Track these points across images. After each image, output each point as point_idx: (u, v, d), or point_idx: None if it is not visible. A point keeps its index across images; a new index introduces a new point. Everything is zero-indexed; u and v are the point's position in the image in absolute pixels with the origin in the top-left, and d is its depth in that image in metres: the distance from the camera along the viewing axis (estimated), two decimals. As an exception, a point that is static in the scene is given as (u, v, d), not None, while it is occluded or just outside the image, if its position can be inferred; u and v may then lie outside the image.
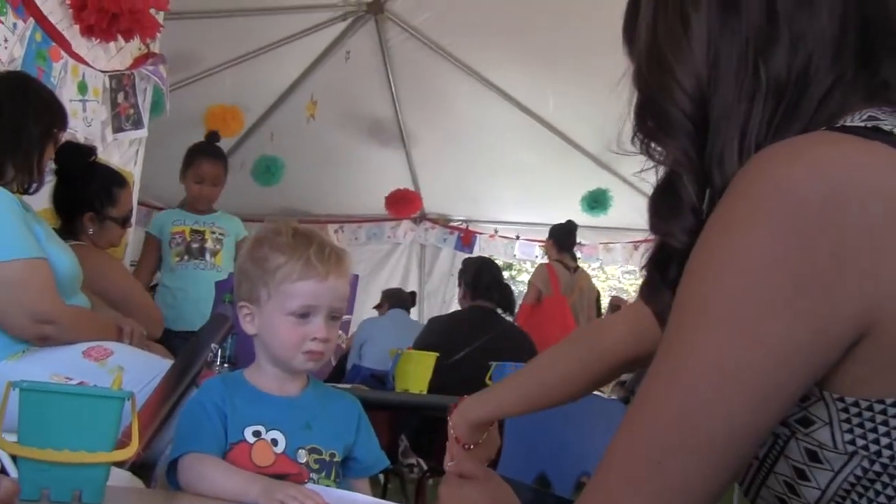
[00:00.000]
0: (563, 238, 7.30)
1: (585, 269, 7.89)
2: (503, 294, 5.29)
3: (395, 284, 9.10)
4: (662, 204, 1.06)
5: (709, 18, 1.01)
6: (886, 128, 0.90)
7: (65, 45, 4.01)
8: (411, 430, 4.98)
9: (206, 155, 4.84)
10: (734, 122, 0.99)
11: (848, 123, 0.93)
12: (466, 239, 9.90)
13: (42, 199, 3.14)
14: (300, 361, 1.85)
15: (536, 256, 9.52)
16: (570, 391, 1.74)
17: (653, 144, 1.08)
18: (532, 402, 1.78)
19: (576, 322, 6.93)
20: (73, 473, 1.41)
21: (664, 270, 1.05)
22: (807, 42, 0.97)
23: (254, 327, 1.89)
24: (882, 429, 0.87)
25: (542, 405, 1.80)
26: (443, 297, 9.87)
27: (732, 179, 0.91)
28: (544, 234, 7.62)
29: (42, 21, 3.84)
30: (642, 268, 1.11)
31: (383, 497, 4.22)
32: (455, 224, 10.08)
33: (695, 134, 1.02)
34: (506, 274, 17.12)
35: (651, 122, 1.07)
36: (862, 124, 0.92)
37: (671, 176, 1.05)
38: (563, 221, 7.43)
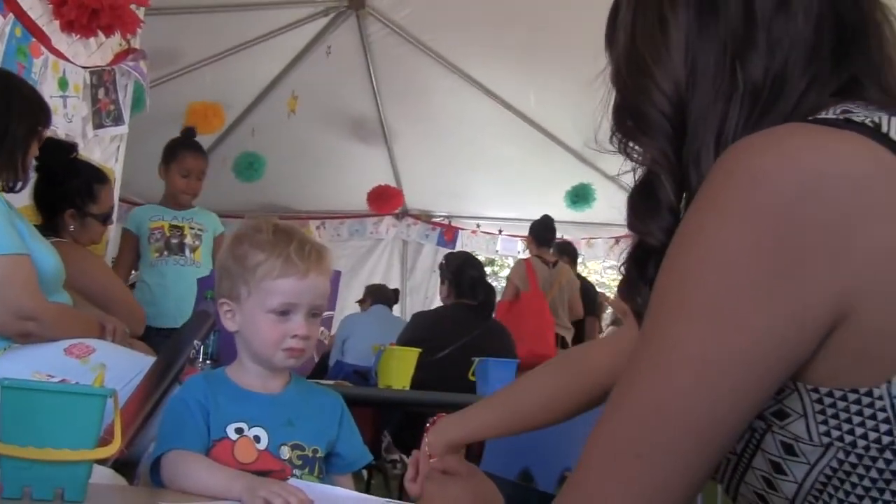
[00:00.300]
0: (540, 233, 7.32)
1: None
2: (486, 293, 5.29)
3: (377, 280, 9.08)
4: (640, 203, 1.07)
5: (687, 23, 1.03)
6: (858, 119, 0.91)
7: (45, 40, 3.99)
8: (394, 426, 4.98)
9: (190, 149, 4.85)
10: (711, 124, 1.00)
11: (821, 116, 0.95)
12: (449, 234, 9.90)
13: (23, 195, 3.12)
14: (280, 359, 1.85)
15: (519, 252, 9.53)
16: (551, 416, 1.73)
17: (631, 144, 1.09)
18: (512, 426, 1.76)
19: (555, 316, 6.93)
20: (55, 471, 1.40)
21: (642, 268, 1.06)
22: (783, 45, 0.99)
23: (234, 324, 1.89)
24: (856, 419, 0.88)
25: (523, 429, 1.78)
26: (425, 293, 9.88)
27: (709, 170, 0.92)
28: (526, 230, 7.63)
29: (22, 16, 3.82)
30: (620, 266, 1.12)
31: (367, 493, 4.22)
32: (437, 220, 10.08)
33: (673, 135, 1.03)
34: (488, 269, 17.12)
35: (630, 122, 1.09)
36: (834, 116, 0.93)
37: (649, 176, 1.06)
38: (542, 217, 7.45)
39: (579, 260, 8.55)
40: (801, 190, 0.85)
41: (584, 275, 8.43)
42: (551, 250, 7.42)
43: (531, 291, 6.80)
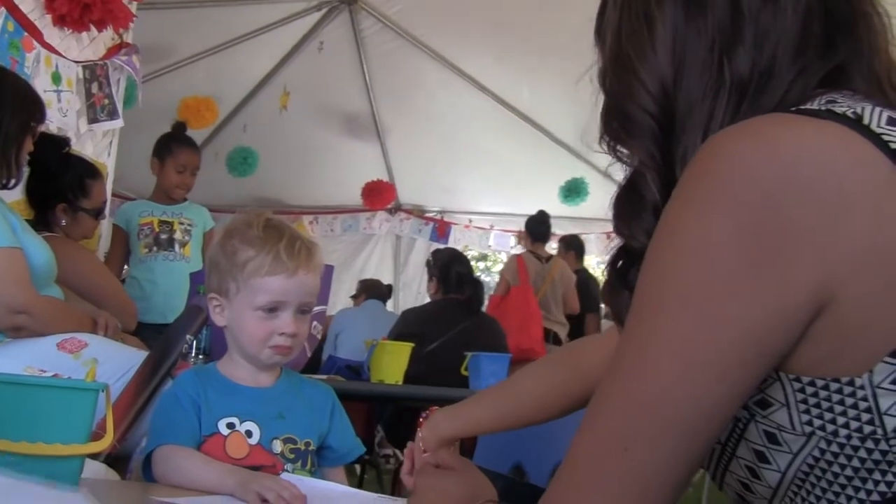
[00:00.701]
0: (535, 229, 7.34)
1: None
2: (474, 289, 5.31)
3: (370, 275, 9.08)
4: (626, 206, 1.08)
5: (674, 19, 1.03)
6: (839, 110, 0.92)
7: (37, 34, 3.98)
8: (387, 420, 4.98)
9: (185, 144, 4.85)
10: (697, 121, 1.01)
11: (804, 107, 0.95)
12: (441, 229, 9.90)
13: (15, 189, 3.11)
14: (267, 355, 1.85)
15: (511, 246, 9.54)
16: (548, 413, 1.72)
17: (619, 147, 1.10)
18: (508, 421, 1.75)
19: (547, 312, 6.94)
20: (47, 466, 1.40)
21: (624, 273, 1.07)
22: (771, 39, 1.00)
23: (223, 319, 1.89)
24: (838, 408, 0.88)
25: (518, 424, 1.78)
26: (418, 288, 9.86)
27: (689, 161, 0.92)
28: (518, 224, 7.63)
29: (13, 11, 3.81)
30: (605, 268, 1.12)
31: (359, 488, 4.23)
32: (430, 215, 10.08)
33: (660, 134, 1.03)
34: (481, 264, 17.10)
35: (616, 125, 1.09)
36: (817, 107, 0.94)
37: (635, 177, 1.07)
38: (534, 212, 7.45)
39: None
40: (779, 179, 0.85)
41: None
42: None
43: (520, 286, 6.82)
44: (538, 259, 7.15)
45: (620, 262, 1.09)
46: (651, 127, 1.04)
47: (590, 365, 1.67)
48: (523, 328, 6.39)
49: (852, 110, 0.91)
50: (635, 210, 1.05)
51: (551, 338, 6.86)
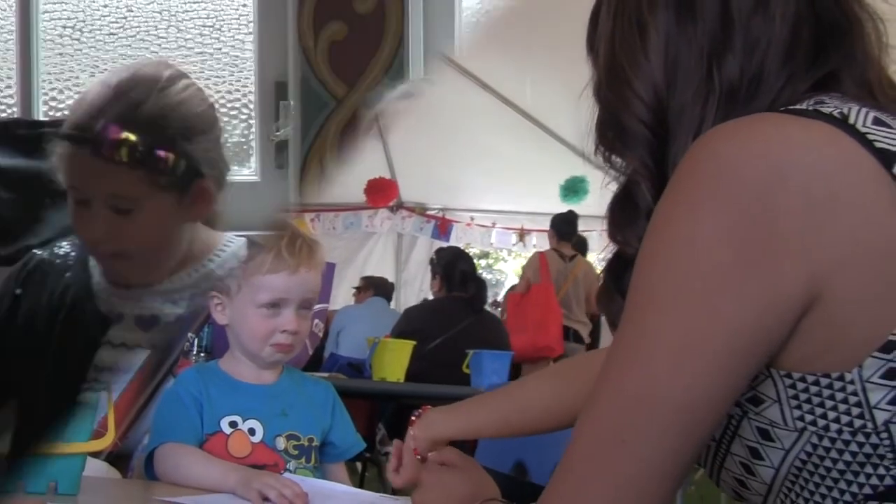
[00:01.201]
0: (561, 227, 7.34)
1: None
2: (478, 287, 5.32)
3: (371, 273, 9.08)
4: (619, 212, 1.08)
5: (666, 25, 1.03)
6: (826, 110, 0.92)
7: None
8: (388, 418, 4.99)
9: None
10: (687, 127, 1.01)
11: (791, 107, 0.96)
12: (443, 227, 9.89)
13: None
14: (268, 353, 1.85)
15: (513, 244, 9.53)
16: (556, 422, 1.67)
17: (614, 156, 1.10)
18: (508, 427, 1.71)
19: (568, 310, 6.94)
20: (48, 464, 1.40)
21: (618, 279, 1.07)
22: (760, 46, 1.00)
23: (225, 317, 1.89)
24: (829, 403, 0.89)
25: (519, 432, 1.75)
26: (420, 286, 9.85)
27: (679, 161, 0.93)
28: (521, 222, 7.61)
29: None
30: (600, 274, 1.13)
31: (360, 486, 4.23)
32: (431, 213, 10.07)
33: (654, 143, 1.04)
34: (483, 262, 17.11)
35: (611, 134, 1.10)
36: (804, 107, 0.95)
37: (629, 185, 1.07)
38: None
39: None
40: (768, 178, 0.86)
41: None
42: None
43: (541, 283, 6.83)
44: (561, 257, 7.16)
45: (615, 268, 1.10)
46: (645, 136, 1.04)
47: (595, 376, 1.64)
48: (542, 326, 6.41)
49: (839, 110, 0.92)
50: (629, 217, 1.06)
51: (571, 336, 6.87)
